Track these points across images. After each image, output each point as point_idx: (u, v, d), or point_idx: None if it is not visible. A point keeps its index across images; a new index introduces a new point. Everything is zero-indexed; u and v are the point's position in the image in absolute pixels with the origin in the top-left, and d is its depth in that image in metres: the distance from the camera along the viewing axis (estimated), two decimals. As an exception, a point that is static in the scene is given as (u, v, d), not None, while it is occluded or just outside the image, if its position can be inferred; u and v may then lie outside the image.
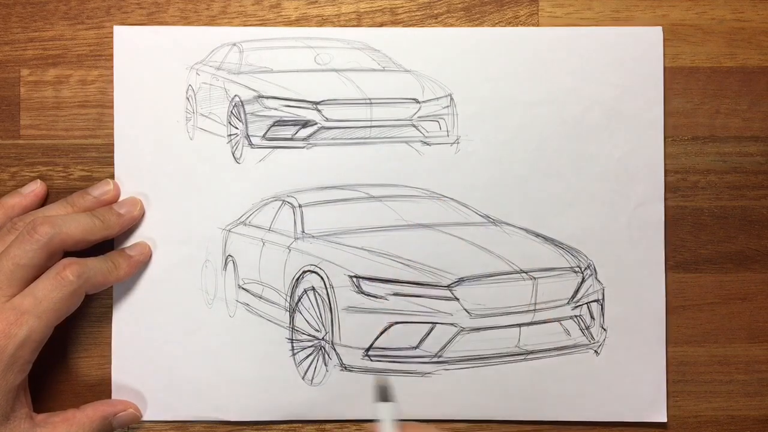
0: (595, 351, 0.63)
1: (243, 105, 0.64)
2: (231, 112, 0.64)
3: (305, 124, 0.64)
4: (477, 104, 0.64)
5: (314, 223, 0.64)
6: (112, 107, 0.64)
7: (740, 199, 0.64)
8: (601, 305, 0.64)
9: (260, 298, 0.64)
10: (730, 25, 0.64)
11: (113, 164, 0.64)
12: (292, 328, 0.63)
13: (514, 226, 0.64)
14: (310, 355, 0.63)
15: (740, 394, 0.64)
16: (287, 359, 0.63)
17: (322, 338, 0.63)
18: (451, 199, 0.64)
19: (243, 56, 0.64)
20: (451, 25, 0.64)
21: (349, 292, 0.62)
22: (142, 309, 0.63)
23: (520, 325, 0.63)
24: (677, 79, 0.64)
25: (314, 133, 0.64)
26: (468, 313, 0.62)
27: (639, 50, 0.64)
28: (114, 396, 0.63)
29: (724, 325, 0.64)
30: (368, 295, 0.62)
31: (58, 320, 0.57)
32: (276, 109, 0.64)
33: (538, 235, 0.64)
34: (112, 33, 0.64)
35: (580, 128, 0.64)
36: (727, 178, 0.64)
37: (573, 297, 0.63)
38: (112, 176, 0.64)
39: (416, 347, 0.62)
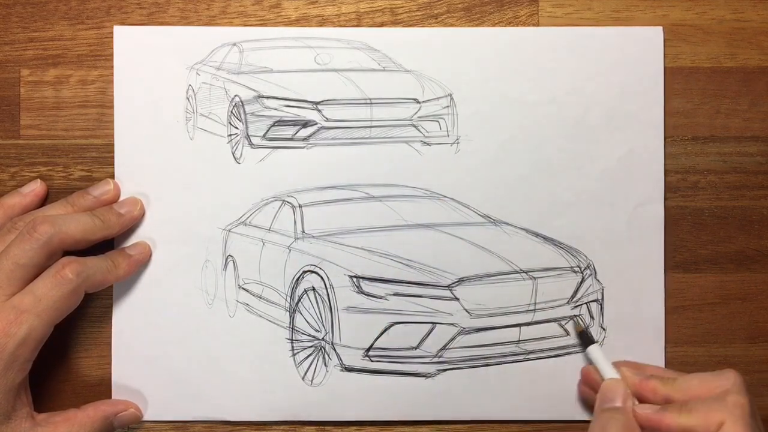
0: (595, 351, 0.63)
1: (243, 105, 0.64)
2: (231, 112, 0.64)
3: (305, 124, 0.64)
4: (477, 104, 0.64)
5: (314, 223, 0.64)
6: (112, 107, 0.64)
7: (740, 199, 0.64)
8: (601, 305, 0.64)
9: (260, 298, 0.64)
10: (730, 25, 0.64)
11: (113, 164, 0.64)
12: (292, 329, 0.63)
13: (514, 226, 0.64)
14: (310, 355, 0.63)
15: (740, 394, 0.64)
16: (287, 359, 0.63)
17: (322, 338, 0.63)
18: (451, 199, 0.64)
19: (243, 56, 0.64)
20: (451, 25, 0.64)
21: (349, 292, 0.62)
22: (142, 309, 0.63)
23: (520, 325, 0.63)
24: (677, 79, 0.64)
25: (314, 133, 0.64)
26: (468, 313, 0.62)
27: (639, 50, 0.64)
28: (114, 396, 0.63)
29: (724, 325, 0.64)
30: (368, 295, 0.62)
31: (58, 319, 0.57)
32: (276, 109, 0.64)
33: (538, 235, 0.64)
34: (112, 33, 0.64)
35: (580, 128, 0.64)
36: (727, 178, 0.64)
37: (573, 297, 0.63)
38: (112, 176, 0.64)
39: (416, 347, 0.62)
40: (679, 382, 0.53)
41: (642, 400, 0.54)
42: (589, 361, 0.59)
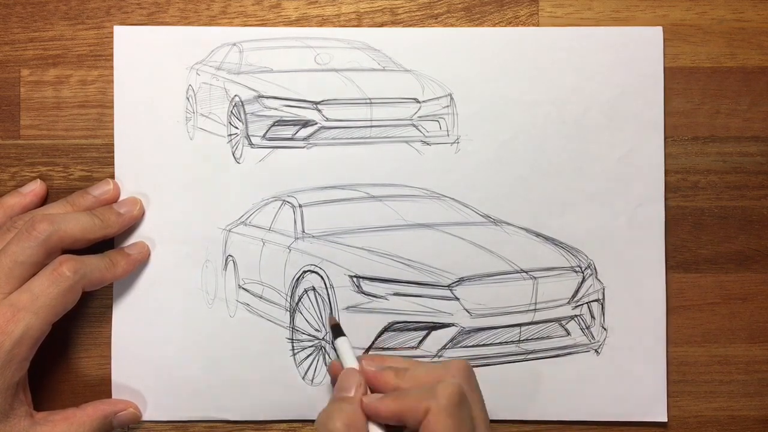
0: (596, 351, 0.63)
1: (243, 105, 0.64)
2: (231, 112, 0.64)
3: (305, 124, 0.64)
4: (477, 104, 0.64)
5: (314, 223, 0.64)
6: (112, 107, 0.64)
7: (740, 199, 0.64)
8: (602, 305, 0.64)
9: (260, 298, 0.64)
10: (730, 25, 0.64)
11: (113, 164, 0.64)
12: (293, 328, 0.63)
13: (514, 225, 0.64)
14: (310, 355, 0.63)
15: (740, 394, 0.64)
16: (287, 359, 0.63)
17: (323, 338, 0.63)
18: (451, 199, 0.64)
19: (243, 56, 0.64)
20: (451, 25, 0.64)
21: (350, 292, 0.62)
22: (142, 309, 0.63)
23: (520, 325, 0.63)
24: (677, 79, 0.64)
25: (314, 133, 0.64)
26: (468, 313, 0.62)
27: (639, 50, 0.64)
28: (114, 396, 0.63)
29: (724, 325, 0.64)
30: (368, 295, 0.62)
31: (56, 317, 0.57)
32: (276, 109, 0.64)
33: (538, 234, 0.64)
34: (112, 33, 0.64)
35: (580, 128, 0.64)
36: (727, 178, 0.64)
37: (573, 297, 0.63)
38: (112, 176, 0.64)
39: (416, 347, 0.62)
40: (410, 372, 0.54)
41: (377, 391, 0.55)
42: (338, 356, 0.59)
